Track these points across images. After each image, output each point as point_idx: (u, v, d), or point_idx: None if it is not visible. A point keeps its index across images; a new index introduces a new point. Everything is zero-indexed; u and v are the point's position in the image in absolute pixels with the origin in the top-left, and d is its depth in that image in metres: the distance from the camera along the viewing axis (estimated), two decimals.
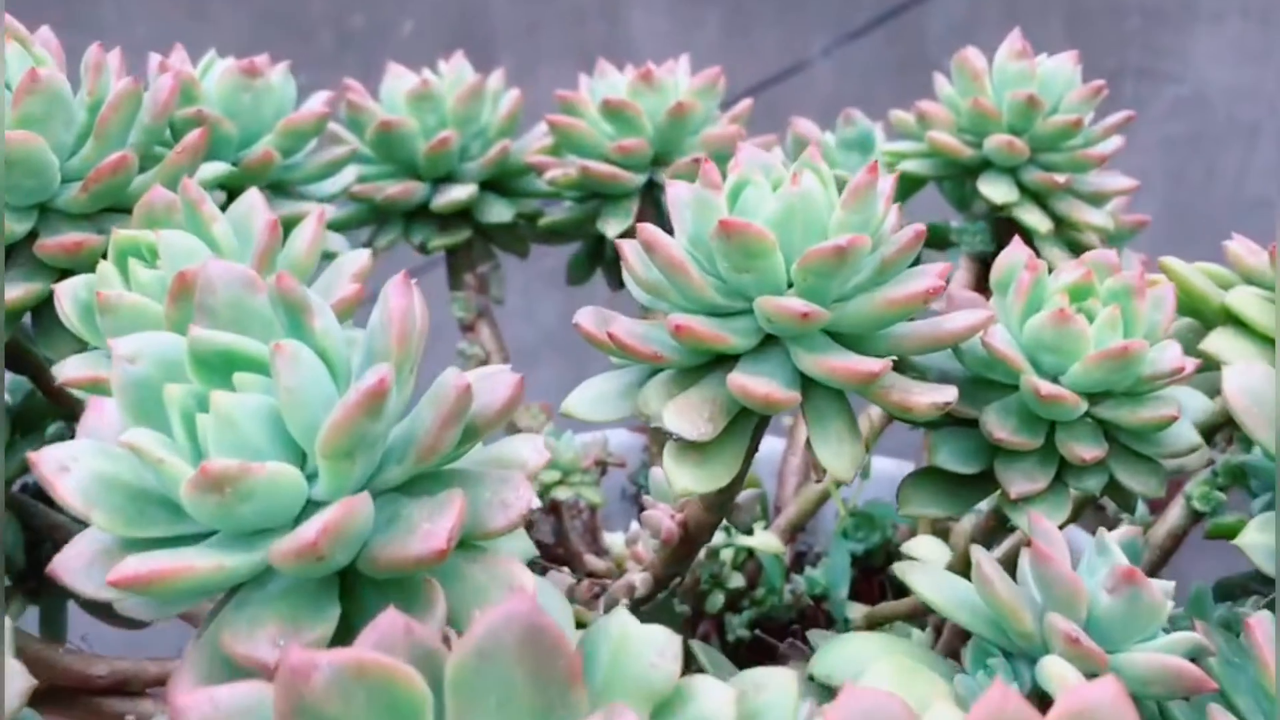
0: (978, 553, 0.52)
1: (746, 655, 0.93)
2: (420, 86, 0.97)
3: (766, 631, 0.93)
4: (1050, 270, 0.65)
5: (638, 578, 0.77)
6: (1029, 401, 0.60)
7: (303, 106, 0.86)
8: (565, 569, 0.92)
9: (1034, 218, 0.90)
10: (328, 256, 0.86)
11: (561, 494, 0.94)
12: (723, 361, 0.60)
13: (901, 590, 0.98)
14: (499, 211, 0.99)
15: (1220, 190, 2.45)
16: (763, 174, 0.61)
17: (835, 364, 0.56)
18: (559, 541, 1.00)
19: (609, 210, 0.94)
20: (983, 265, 0.99)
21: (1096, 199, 0.95)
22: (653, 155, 0.94)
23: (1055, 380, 0.61)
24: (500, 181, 1.02)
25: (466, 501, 0.46)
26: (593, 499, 0.95)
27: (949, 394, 0.57)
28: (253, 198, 0.64)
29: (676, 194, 0.63)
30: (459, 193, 0.97)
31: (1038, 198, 0.92)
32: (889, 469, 1.02)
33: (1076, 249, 0.95)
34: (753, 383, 0.55)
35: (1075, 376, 0.60)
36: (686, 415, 0.57)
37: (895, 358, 0.59)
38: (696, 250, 0.61)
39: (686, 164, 0.91)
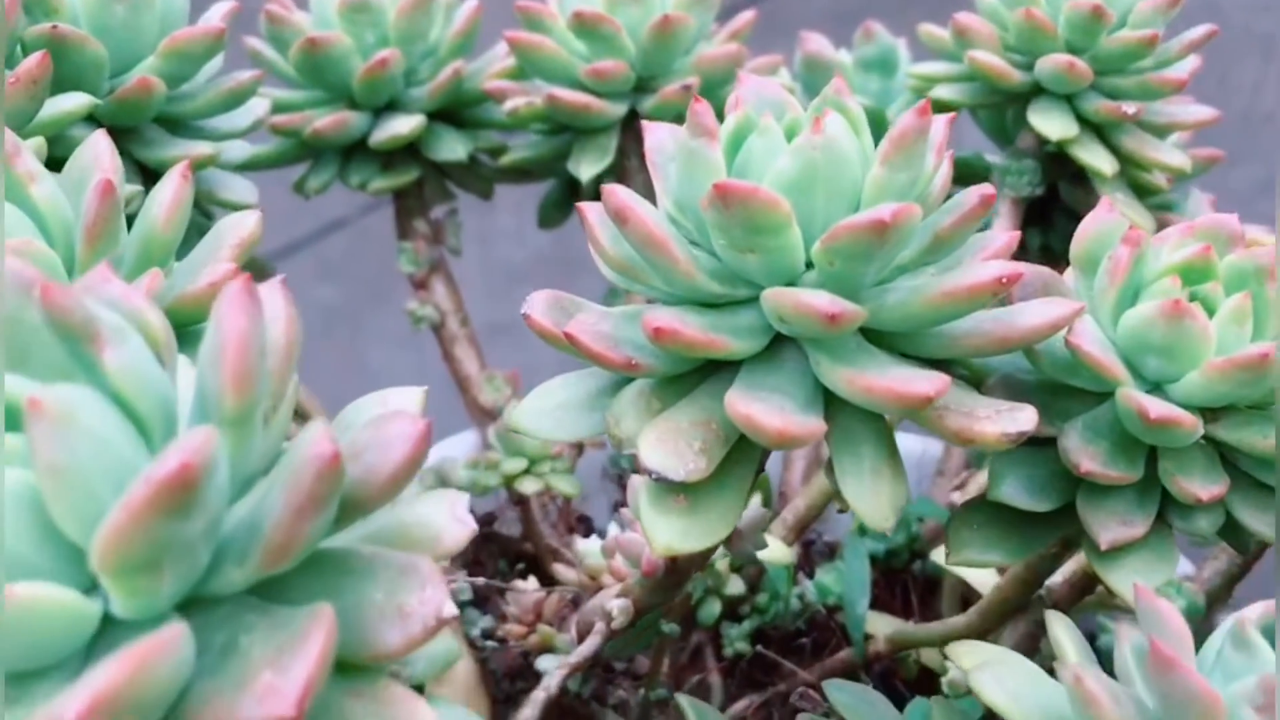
0: (1075, 666, 0.37)
1: (746, 673, 0.79)
2: None
3: (770, 643, 0.79)
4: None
5: (615, 604, 0.63)
6: (1127, 421, 0.45)
7: (200, 20, 0.69)
8: (530, 580, 0.78)
9: (1097, 157, 0.74)
10: (228, 209, 0.70)
11: (528, 486, 0.79)
12: (718, 368, 0.45)
13: (928, 596, 0.83)
14: (451, 147, 0.83)
15: (1234, 102, 2.27)
16: (773, 115, 0.45)
17: (875, 382, 0.40)
18: (526, 534, 0.85)
19: (582, 147, 0.78)
20: (1029, 210, 0.83)
21: (1164, 132, 0.79)
22: (635, 80, 0.78)
23: (1160, 390, 0.46)
24: (453, 111, 0.86)
25: (347, 608, 0.31)
26: (565, 490, 0.81)
27: (1025, 420, 0.42)
28: (97, 145, 0.48)
29: (658, 142, 0.47)
30: (402, 125, 0.80)
31: (1099, 131, 0.76)
32: (913, 448, 0.88)
33: (1141, 192, 0.80)
34: (761, 410, 0.40)
35: (1190, 389, 0.45)
36: (670, 446, 0.42)
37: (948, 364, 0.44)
38: (684, 218, 0.45)
39: (676, 91, 0.75)
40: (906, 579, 0.84)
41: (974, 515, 0.49)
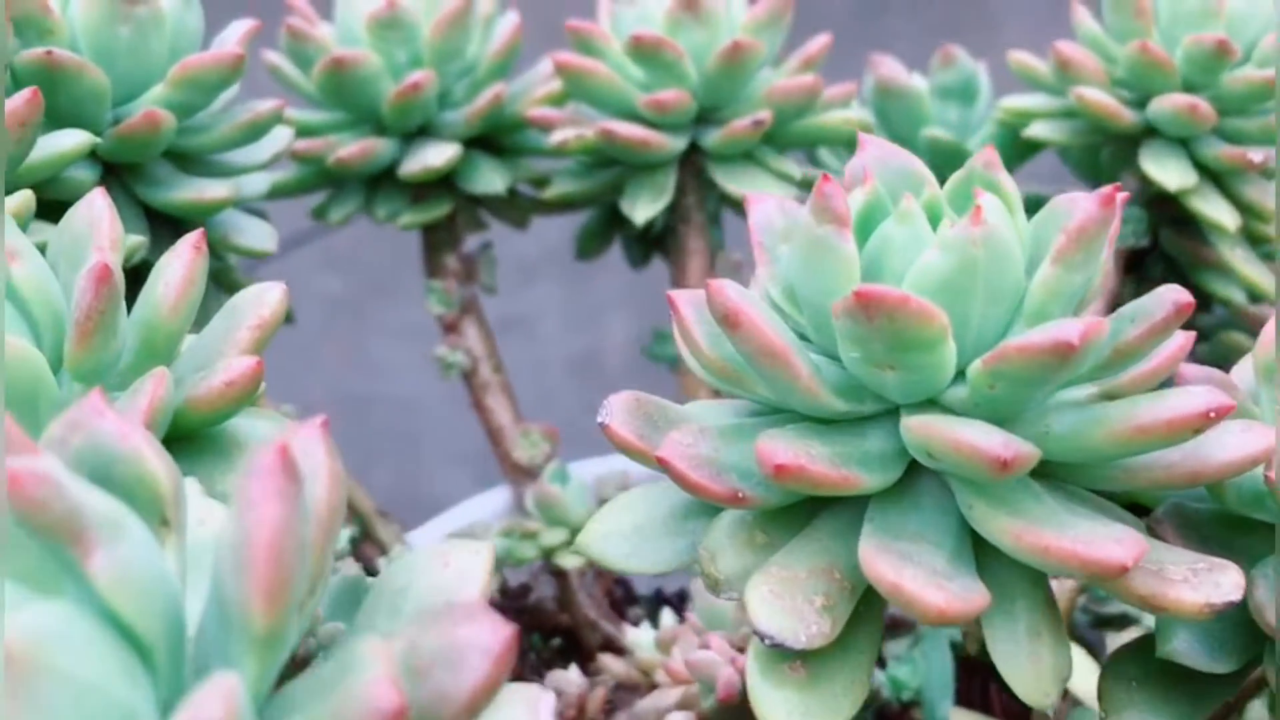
0: None
1: None
2: (386, 9, 0.72)
3: None
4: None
5: (677, 718, 0.56)
6: None
7: (214, 42, 0.62)
8: (571, 669, 0.70)
9: (1218, 210, 0.66)
10: (245, 255, 0.63)
11: (570, 562, 0.71)
12: (840, 501, 0.37)
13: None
14: (489, 179, 0.75)
15: None
16: (911, 193, 0.38)
17: (1053, 542, 0.32)
18: (563, 607, 0.78)
19: (637, 185, 0.70)
20: (1130, 260, 0.75)
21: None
22: (696, 111, 0.70)
23: None
24: (491, 137, 0.78)
25: None
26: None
27: (1231, 588, 0.34)
28: (93, 208, 0.40)
29: (765, 217, 0.39)
30: (435, 156, 0.72)
31: (1217, 180, 0.68)
32: None
33: (1259, 245, 0.72)
34: (913, 579, 0.32)
35: None
36: (787, 603, 0.34)
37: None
38: (798, 313, 0.38)
39: (746, 127, 0.67)
40: (986, 667, 0.76)
41: (1130, 667, 0.41)
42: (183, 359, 0.41)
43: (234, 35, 0.60)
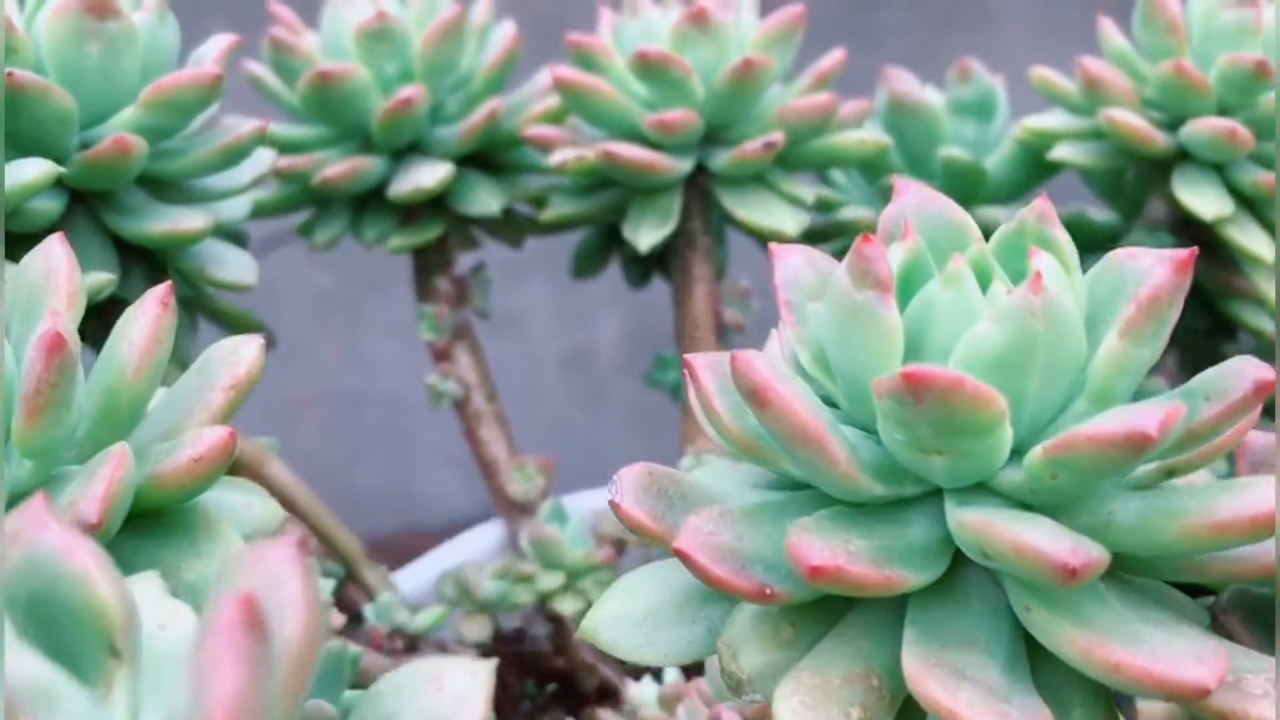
0: None
1: None
2: (375, 20, 0.68)
3: None
4: None
5: None
6: None
7: (191, 59, 0.58)
8: None
9: (1254, 240, 0.63)
10: (223, 289, 0.59)
11: (567, 606, 0.68)
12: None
13: None
14: (484, 200, 0.71)
15: None
16: (954, 247, 0.34)
17: (1125, 658, 0.29)
18: (558, 650, 0.74)
19: (640, 209, 0.66)
20: None
21: None
22: (703, 130, 0.66)
23: None
24: (486, 154, 0.74)
25: None
26: None
27: None
28: (49, 258, 0.36)
29: (792, 272, 0.35)
30: (427, 176, 0.68)
31: (1252, 207, 0.65)
32: None
33: None
34: (969, 704, 0.28)
35: None
36: (820, 714, 0.31)
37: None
38: (829, 381, 0.34)
39: (757, 149, 0.63)
40: None
41: None
42: (149, 421, 0.37)
43: (212, 52, 0.56)
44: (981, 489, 0.32)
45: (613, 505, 0.35)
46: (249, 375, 0.38)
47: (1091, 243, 0.77)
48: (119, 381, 0.35)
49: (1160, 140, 0.63)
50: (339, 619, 0.60)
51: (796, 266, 0.36)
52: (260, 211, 0.69)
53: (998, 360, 0.30)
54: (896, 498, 0.33)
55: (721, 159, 0.65)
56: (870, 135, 0.67)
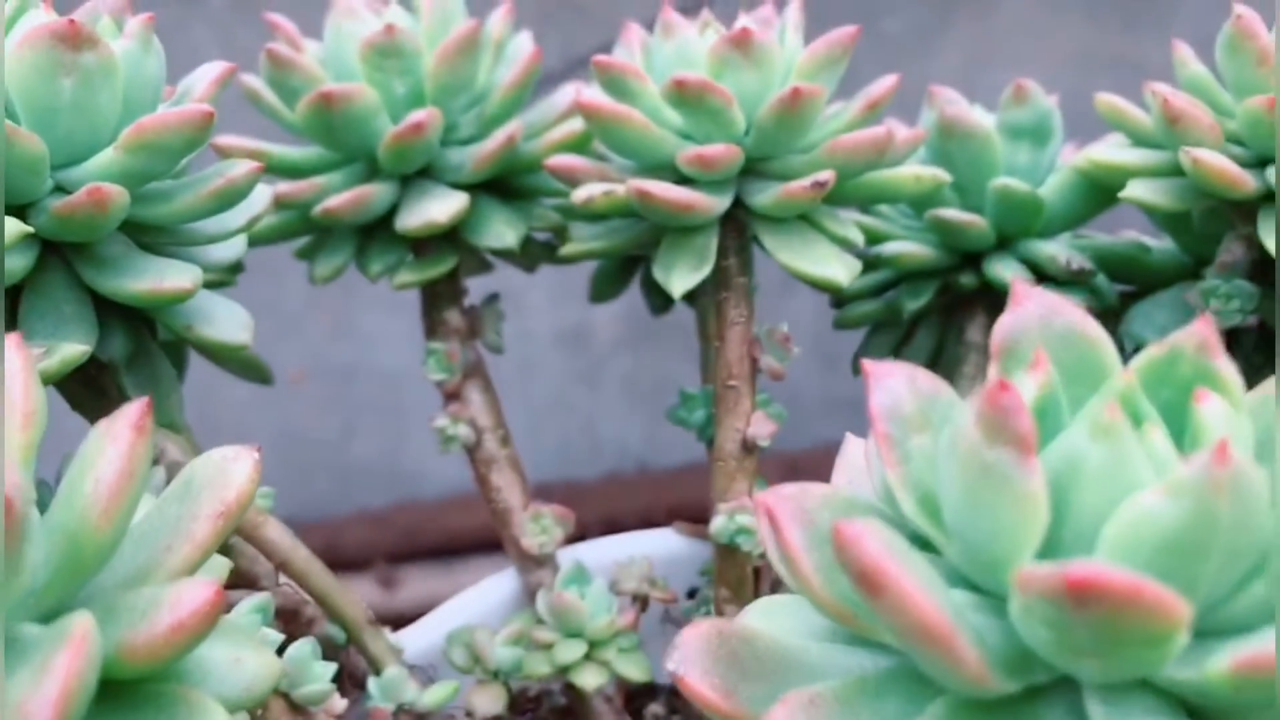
0: None
1: None
2: (383, 35, 0.62)
3: None
4: None
5: None
6: None
7: (179, 90, 0.51)
8: None
9: None
10: (213, 349, 0.53)
11: (590, 680, 0.62)
12: None
13: None
14: (500, 233, 0.65)
15: None
16: (1093, 378, 0.28)
17: None
18: (574, 712, 0.68)
19: (674, 250, 0.60)
20: (1236, 346, 0.66)
21: None
22: (743, 163, 0.60)
23: None
24: (502, 179, 0.68)
25: None
26: (634, 676, 0.64)
27: None
28: (9, 363, 0.30)
29: (892, 399, 0.30)
30: (439, 210, 0.62)
31: None
32: None
33: None
34: None
35: None
36: None
37: None
38: (942, 533, 0.28)
39: (804, 191, 0.57)
40: None
41: None
42: (120, 556, 0.32)
43: (202, 83, 0.50)
44: (1138, 685, 0.26)
45: (677, 679, 0.29)
46: (239, 500, 0.32)
47: (1153, 281, 0.71)
48: (82, 526, 0.29)
49: (1250, 184, 0.57)
50: (340, 704, 0.55)
51: (897, 392, 0.30)
52: (255, 241, 0.63)
53: (1170, 544, 0.24)
54: (1026, 688, 0.27)
55: (764, 197, 0.59)
56: (927, 171, 0.61)
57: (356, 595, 0.63)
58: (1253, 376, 0.72)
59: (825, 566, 0.28)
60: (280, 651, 0.53)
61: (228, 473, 0.33)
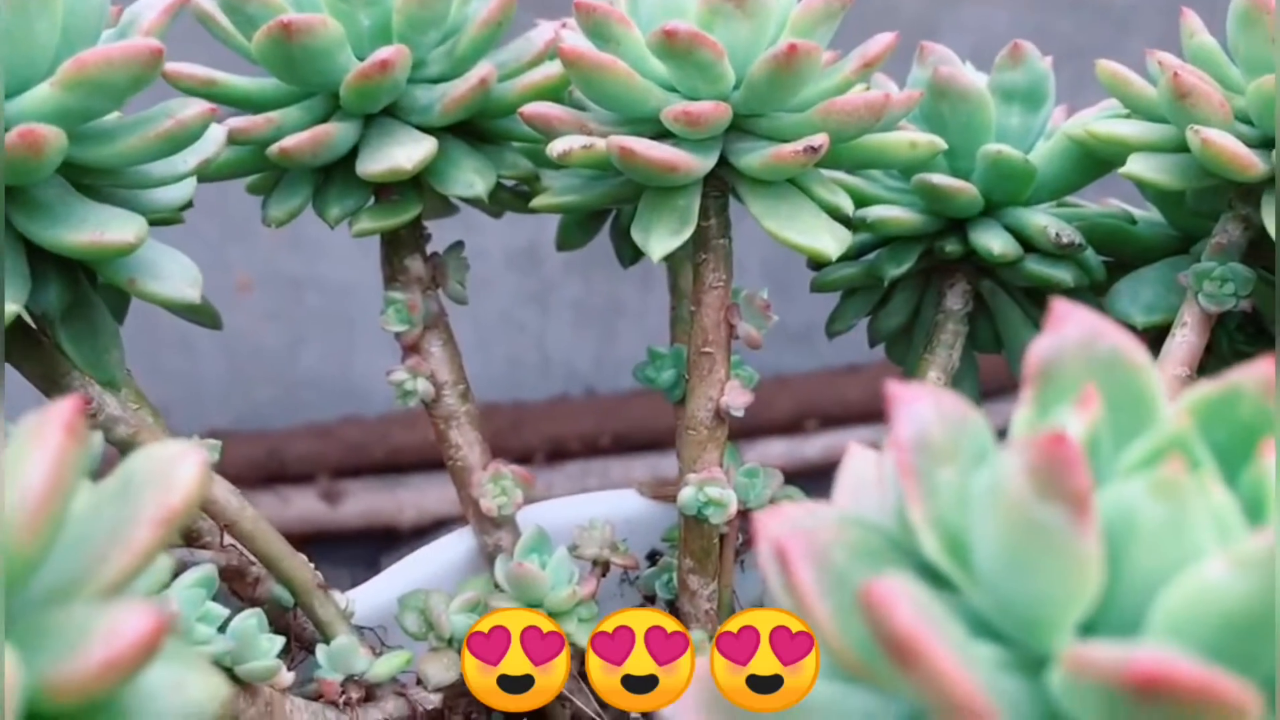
0: None
1: None
2: None
3: None
4: None
5: None
6: None
7: (126, 15, 0.47)
8: None
9: None
10: (160, 305, 0.49)
11: None
12: None
13: None
14: (468, 180, 0.62)
15: None
16: (1138, 412, 0.26)
17: None
18: None
19: (653, 210, 0.57)
20: (1220, 326, 0.64)
21: None
22: (730, 120, 0.56)
23: None
24: (471, 122, 0.64)
25: None
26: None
27: None
28: None
29: (919, 427, 0.28)
30: (405, 156, 0.58)
31: None
32: None
33: None
34: None
35: None
36: None
37: None
38: (968, 576, 0.26)
39: (796, 155, 0.54)
40: None
41: None
42: (48, 568, 0.28)
43: (151, 12, 0.46)
44: None
45: None
46: (185, 504, 0.29)
47: (1139, 258, 0.69)
48: (5, 543, 0.25)
49: (1258, 167, 0.55)
50: (287, 678, 0.52)
51: (924, 419, 0.27)
52: (205, 179, 0.58)
53: (1235, 622, 0.22)
54: None
55: (751, 158, 0.56)
56: (923, 138, 0.58)
57: (303, 559, 0.60)
58: (1233, 359, 0.70)
59: (841, 612, 0.26)
60: (227, 622, 0.50)
61: (172, 473, 0.29)
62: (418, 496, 1.34)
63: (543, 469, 1.39)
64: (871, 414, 1.27)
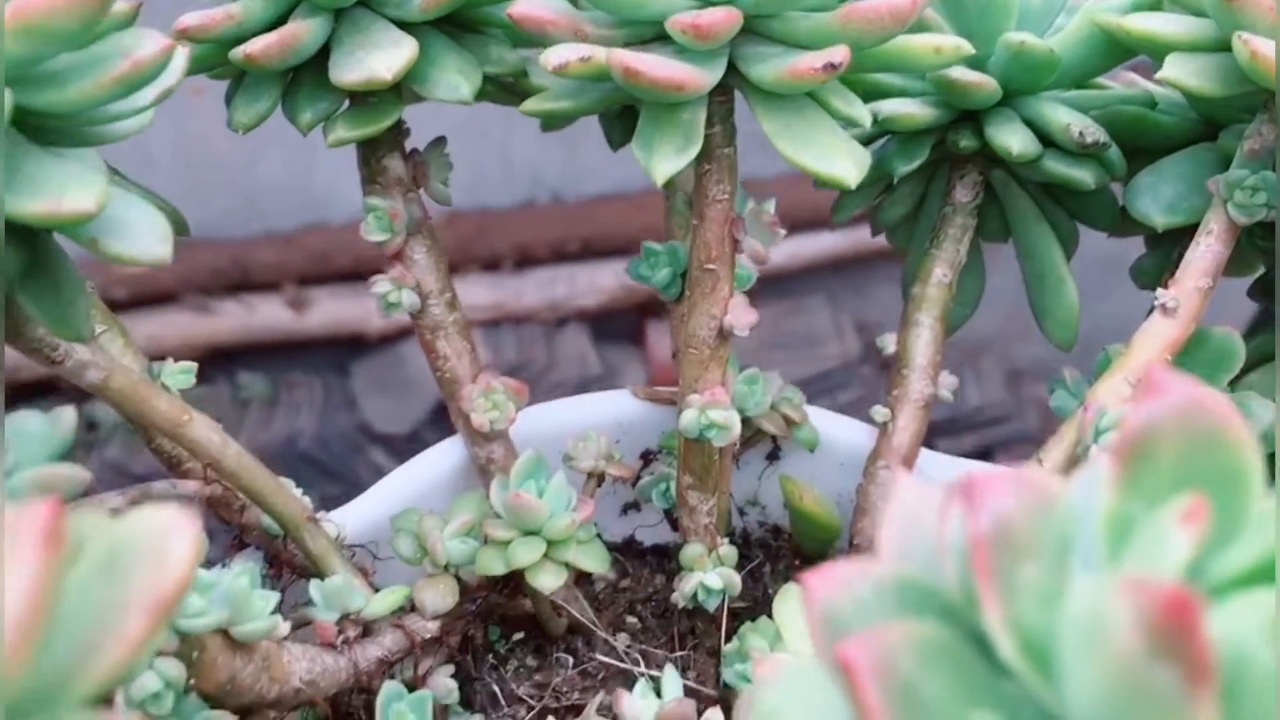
0: None
1: None
2: None
3: None
4: None
5: None
6: None
7: None
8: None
9: None
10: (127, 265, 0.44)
11: (547, 581, 0.58)
12: None
13: None
14: (452, 83, 0.57)
15: None
16: (1236, 497, 0.23)
17: None
18: (520, 593, 0.65)
19: (657, 126, 0.53)
20: (1249, 238, 0.61)
21: None
22: (741, 24, 0.51)
23: None
24: (456, 14, 0.59)
25: None
26: (594, 568, 0.60)
27: None
28: None
29: (1000, 516, 0.26)
30: (382, 63, 0.53)
31: None
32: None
33: None
34: None
35: None
36: None
37: None
38: (1050, 691, 0.24)
39: (813, 72, 0.49)
40: None
41: None
42: (35, 668, 0.26)
43: None
44: None
45: None
46: (178, 586, 0.26)
47: (1162, 146, 0.66)
48: None
49: None
50: (284, 628, 0.50)
51: (1005, 512, 0.24)
52: None
53: None
54: None
55: (764, 69, 0.51)
56: (948, 42, 0.53)
57: (293, 493, 0.57)
58: (1255, 258, 0.67)
59: None
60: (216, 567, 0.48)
61: (164, 550, 0.26)
62: None
63: (511, 275, 1.35)
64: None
